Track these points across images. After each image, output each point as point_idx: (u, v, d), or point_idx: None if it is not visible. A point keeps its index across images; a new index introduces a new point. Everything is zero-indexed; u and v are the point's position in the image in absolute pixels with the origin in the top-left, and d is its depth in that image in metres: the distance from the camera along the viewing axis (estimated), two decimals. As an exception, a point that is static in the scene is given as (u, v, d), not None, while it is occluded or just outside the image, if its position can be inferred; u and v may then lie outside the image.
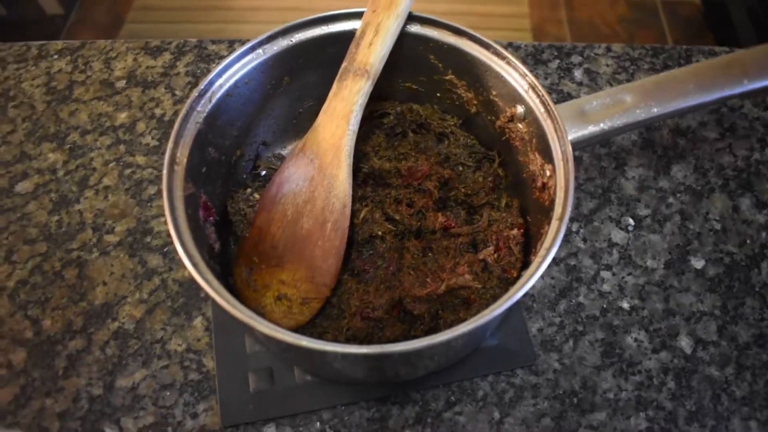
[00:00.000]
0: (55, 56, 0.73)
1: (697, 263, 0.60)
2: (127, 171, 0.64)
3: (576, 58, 0.73)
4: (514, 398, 0.53)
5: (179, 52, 0.73)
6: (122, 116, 0.68)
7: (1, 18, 1.95)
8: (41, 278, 0.58)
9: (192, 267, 0.42)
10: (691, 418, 0.53)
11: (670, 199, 0.63)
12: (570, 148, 0.47)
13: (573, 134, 0.50)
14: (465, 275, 0.50)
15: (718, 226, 0.62)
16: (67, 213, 0.62)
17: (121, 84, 0.71)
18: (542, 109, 0.50)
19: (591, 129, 0.51)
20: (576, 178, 0.64)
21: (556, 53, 0.74)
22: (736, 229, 0.62)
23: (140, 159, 0.65)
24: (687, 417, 0.53)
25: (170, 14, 1.98)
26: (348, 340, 0.50)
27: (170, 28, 1.94)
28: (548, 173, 0.49)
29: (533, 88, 0.51)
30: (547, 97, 0.49)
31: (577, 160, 0.65)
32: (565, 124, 0.48)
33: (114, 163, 0.65)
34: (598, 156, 0.66)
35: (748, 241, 0.61)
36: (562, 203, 0.45)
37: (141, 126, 0.67)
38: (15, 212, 0.62)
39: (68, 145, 0.66)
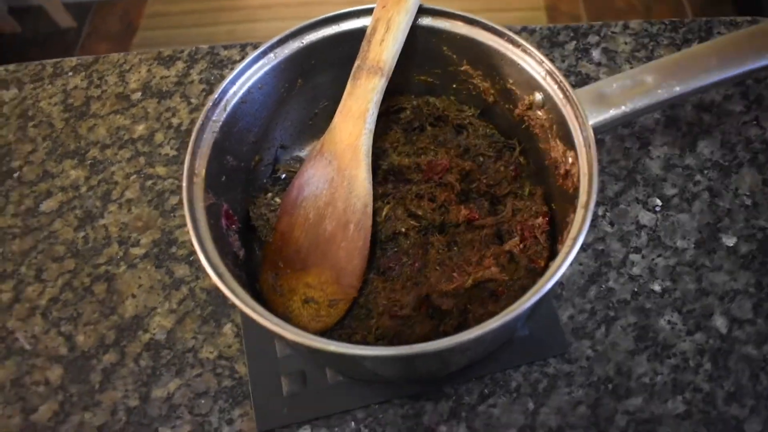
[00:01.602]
0: (70, 73, 0.73)
1: (729, 241, 0.59)
2: (149, 183, 0.65)
3: (593, 38, 0.72)
4: (548, 388, 0.53)
5: (192, 60, 0.73)
6: (140, 128, 0.69)
7: (17, 34, 1.97)
8: (72, 295, 0.59)
9: (217, 278, 0.42)
10: (730, 399, 0.52)
11: (698, 177, 0.62)
12: (591, 133, 0.46)
13: (594, 119, 0.49)
14: (491, 268, 0.50)
15: (748, 202, 0.61)
16: (93, 228, 0.62)
17: (137, 96, 0.71)
18: (561, 95, 0.49)
19: (612, 113, 0.50)
20: (599, 161, 0.63)
21: (572, 34, 0.73)
22: (767, 204, 0.60)
23: (160, 170, 0.65)
24: (725, 398, 0.52)
25: (181, 18, 1.99)
26: (377, 340, 0.50)
27: (183, 32, 1.95)
28: (570, 160, 0.48)
29: (551, 74, 0.50)
30: (565, 82, 0.49)
31: (600, 143, 0.64)
32: (585, 109, 0.47)
33: (135, 175, 0.65)
34: (621, 137, 0.64)
35: (780, 215, 0.60)
36: (587, 190, 0.44)
37: (159, 137, 0.68)
38: (42, 231, 0.62)
39: (89, 161, 0.67)
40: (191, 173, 0.47)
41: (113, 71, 0.73)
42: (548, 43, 0.72)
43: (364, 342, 0.50)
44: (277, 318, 0.41)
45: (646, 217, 0.60)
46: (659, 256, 0.58)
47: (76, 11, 2.02)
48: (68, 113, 0.70)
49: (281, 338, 0.47)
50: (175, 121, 0.69)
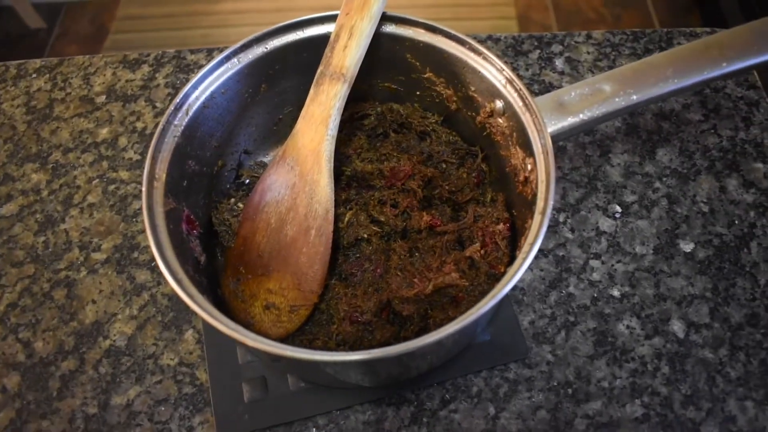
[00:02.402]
0: (34, 75, 0.73)
1: (686, 246, 0.60)
2: (111, 187, 0.64)
3: (557, 47, 0.73)
4: (509, 392, 0.53)
5: (158, 64, 0.73)
6: (104, 132, 0.68)
7: (-15, 36, 1.94)
8: (31, 300, 0.58)
9: (175, 283, 0.42)
10: (687, 402, 0.53)
11: (657, 184, 0.63)
12: (549, 140, 0.47)
13: (552, 126, 0.50)
14: (452, 274, 0.50)
15: (705, 208, 0.62)
16: (53, 233, 0.62)
17: (101, 99, 0.70)
18: (521, 103, 0.50)
19: (570, 120, 0.50)
20: (561, 167, 0.64)
21: (536, 43, 0.74)
22: (724, 210, 0.62)
23: (123, 174, 0.65)
24: (683, 401, 0.53)
25: (154, 22, 1.97)
26: (338, 346, 0.50)
27: (155, 36, 1.93)
28: (529, 167, 0.49)
29: (511, 82, 0.50)
30: (525, 90, 0.49)
31: (562, 150, 0.65)
32: (543, 117, 0.48)
33: (97, 179, 0.65)
34: (582, 144, 0.65)
35: (736, 222, 0.61)
36: (544, 197, 0.45)
37: (123, 141, 0.67)
38: (1, 235, 0.62)
39: (51, 165, 0.66)
40: (151, 178, 0.47)
41: (78, 74, 0.73)
42: (513, 52, 0.73)
43: (325, 348, 0.50)
44: (236, 324, 0.41)
45: (606, 224, 0.61)
46: (618, 261, 0.59)
47: (47, 12, 1.99)
48: (31, 116, 0.70)
49: (241, 344, 0.47)
50: (139, 125, 0.68)
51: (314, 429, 0.52)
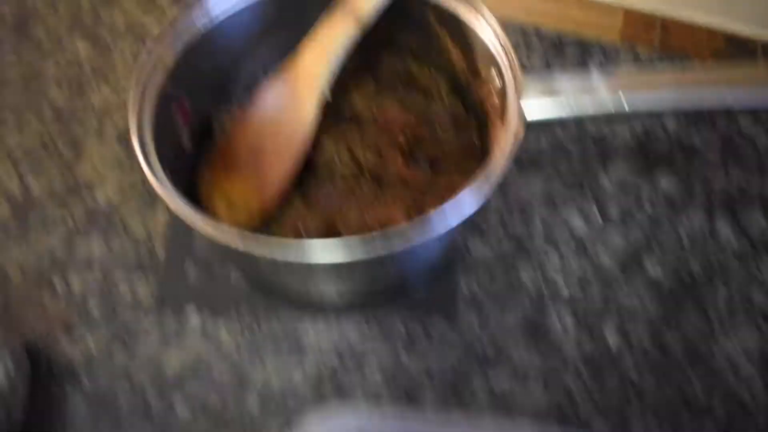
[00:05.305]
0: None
1: (653, 271, 0.60)
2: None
3: (597, 58, 0.74)
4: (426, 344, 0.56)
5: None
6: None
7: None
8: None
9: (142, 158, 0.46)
10: (596, 412, 0.54)
11: (646, 205, 0.63)
12: (521, 108, 0.49)
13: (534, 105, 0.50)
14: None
15: (686, 242, 0.61)
16: (82, 102, 0.68)
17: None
18: (513, 84, 0.50)
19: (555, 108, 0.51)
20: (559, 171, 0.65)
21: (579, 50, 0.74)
22: (703, 249, 0.61)
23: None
24: (592, 410, 0.54)
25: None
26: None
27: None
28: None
29: (512, 66, 0.51)
30: (516, 63, 0.50)
31: (565, 152, 0.66)
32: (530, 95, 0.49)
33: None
34: (584, 148, 0.66)
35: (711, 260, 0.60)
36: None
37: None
38: (38, 94, 0.69)
39: (100, 43, 0.72)
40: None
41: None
42: (553, 51, 0.74)
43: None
44: (187, 202, 0.45)
45: (580, 226, 0.61)
46: (579, 266, 0.59)
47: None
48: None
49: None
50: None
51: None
